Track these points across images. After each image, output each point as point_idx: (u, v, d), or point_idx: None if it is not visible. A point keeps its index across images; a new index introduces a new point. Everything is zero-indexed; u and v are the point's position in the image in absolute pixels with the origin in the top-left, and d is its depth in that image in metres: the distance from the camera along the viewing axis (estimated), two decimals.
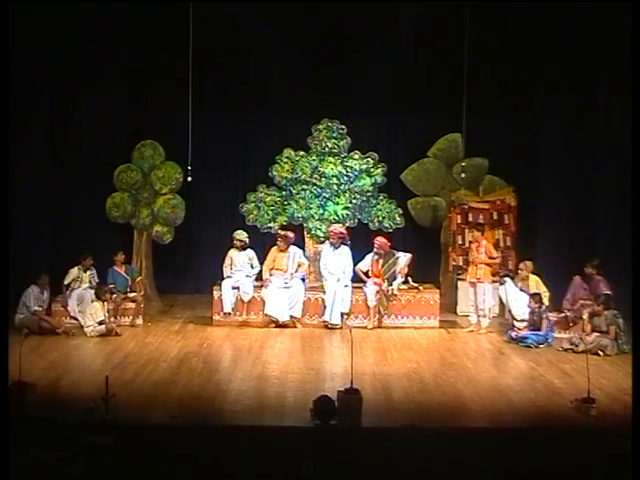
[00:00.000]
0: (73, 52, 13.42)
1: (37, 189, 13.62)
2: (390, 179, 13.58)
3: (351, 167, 13.34)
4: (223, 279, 12.50)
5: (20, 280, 11.59)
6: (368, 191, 13.36)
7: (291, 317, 12.32)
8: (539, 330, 11.18)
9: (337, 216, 13.29)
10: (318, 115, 13.43)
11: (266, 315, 12.31)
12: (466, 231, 13.34)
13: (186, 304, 13.99)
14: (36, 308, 11.64)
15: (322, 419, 7.60)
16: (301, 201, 13.36)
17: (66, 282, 12.22)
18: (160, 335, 11.67)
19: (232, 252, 12.66)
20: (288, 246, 12.59)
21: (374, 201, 13.38)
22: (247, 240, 12.69)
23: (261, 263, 12.64)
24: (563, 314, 11.70)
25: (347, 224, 13.21)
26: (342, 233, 12.67)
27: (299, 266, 12.63)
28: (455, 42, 11.84)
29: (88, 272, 12.39)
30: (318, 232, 13.28)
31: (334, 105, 13.68)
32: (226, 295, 12.33)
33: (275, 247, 12.66)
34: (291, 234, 12.74)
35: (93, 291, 12.01)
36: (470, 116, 11.85)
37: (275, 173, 13.38)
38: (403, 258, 12.56)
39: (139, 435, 7.28)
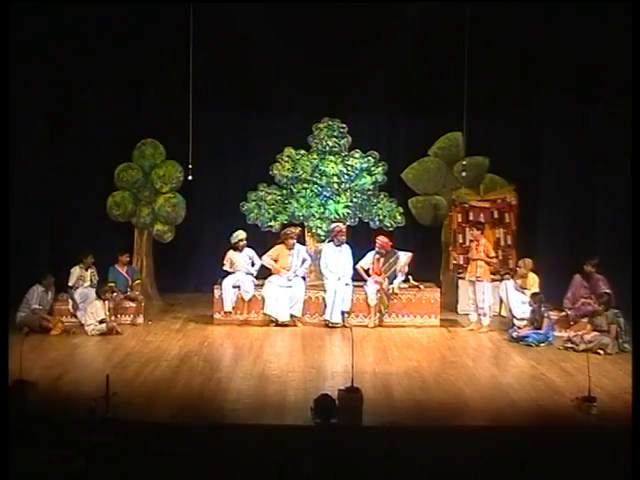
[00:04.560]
0: (73, 52, 13.41)
1: (38, 188, 13.64)
2: (391, 178, 13.58)
3: (352, 166, 13.33)
4: (224, 278, 12.51)
5: (21, 280, 11.58)
6: (369, 190, 13.36)
7: (291, 316, 12.33)
8: (540, 329, 11.18)
9: (338, 215, 13.29)
10: (319, 114, 13.43)
11: (265, 314, 12.33)
12: (467, 230, 13.35)
13: (187, 303, 14.00)
14: (36, 307, 11.64)
15: (323, 418, 7.59)
16: (302, 200, 13.36)
17: (71, 283, 12.23)
18: (161, 334, 11.68)
19: (232, 253, 12.63)
20: (294, 244, 12.62)
21: (375, 200, 13.38)
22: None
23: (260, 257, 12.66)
24: (564, 313, 11.70)
25: (348, 223, 13.22)
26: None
27: (303, 261, 12.65)
28: (455, 42, 11.83)
29: (89, 270, 12.41)
30: (319, 231, 13.28)
31: (335, 104, 13.66)
32: (227, 294, 12.34)
33: (282, 245, 12.63)
34: (298, 229, 12.78)
35: (94, 289, 12.04)
36: (470, 115, 11.84)
37: (276, 172, 13.38)
38: (404, 257, 12.57)
39: (140, 434, 7.27)
